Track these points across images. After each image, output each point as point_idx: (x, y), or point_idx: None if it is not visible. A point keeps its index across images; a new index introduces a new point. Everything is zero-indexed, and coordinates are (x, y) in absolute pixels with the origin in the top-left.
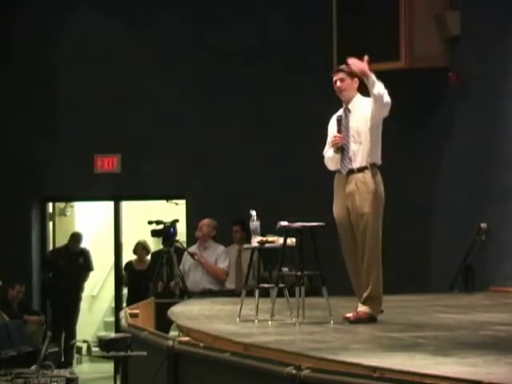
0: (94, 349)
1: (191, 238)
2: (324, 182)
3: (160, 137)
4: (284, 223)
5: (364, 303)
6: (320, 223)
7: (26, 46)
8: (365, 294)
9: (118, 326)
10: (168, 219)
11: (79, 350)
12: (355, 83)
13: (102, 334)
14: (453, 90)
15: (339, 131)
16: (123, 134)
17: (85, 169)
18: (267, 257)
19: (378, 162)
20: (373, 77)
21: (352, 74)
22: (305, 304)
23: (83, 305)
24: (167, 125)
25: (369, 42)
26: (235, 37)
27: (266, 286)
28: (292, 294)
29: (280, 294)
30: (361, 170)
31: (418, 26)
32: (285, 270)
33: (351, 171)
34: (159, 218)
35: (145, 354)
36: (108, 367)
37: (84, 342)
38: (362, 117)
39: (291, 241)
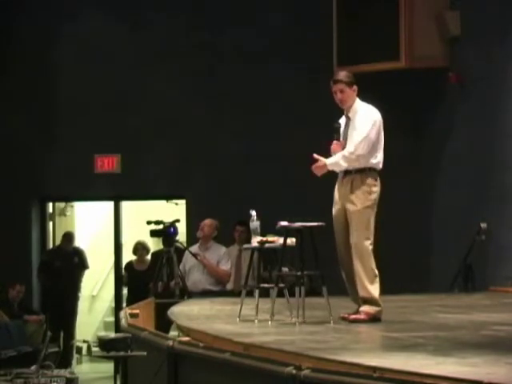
0: (94, 349)
1: (191, 238)
2: (324, 183)
3: (160, 137)
4: (284, 223)
5: (365, 303)
6: (320, 223)
7: (26, 46)
8: (360, 296)
9: (117, 326)
10: (168, 219)
11: (79, 350)
12: (354, 91)
13: (102, 334)
14: (453, 90)
15: (338, 139)
16: (123, 134)
17: (85, 169)
18: (267, 257)
19: (377, 167)
20: (330, 164)
21: (350, 83)
22: (305, 304)
23: (83, 305)
24: (167, 125)
25: (369, 41)
26: (235, 37)
27: (266, 285)
28: (292, 294)
29: (280, 294)
30: (358, 171)
31: (417, 26)
32: (285, 270)
33: (348, 172)
34: (159, 218)
35: (145, 354)
36: (108, 367)
37: (84, 342)
38: (336, 160)
39: (291, 241)
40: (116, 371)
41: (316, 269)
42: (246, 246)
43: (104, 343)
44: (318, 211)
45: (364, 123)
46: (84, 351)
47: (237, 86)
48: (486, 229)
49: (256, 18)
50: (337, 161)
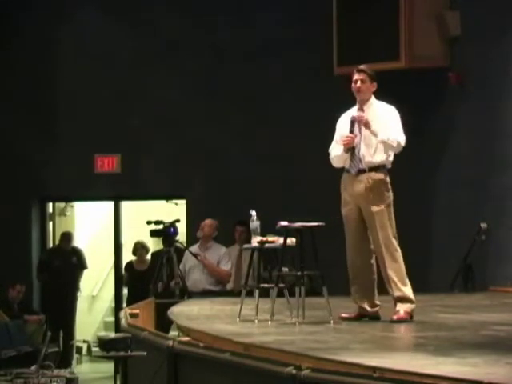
0: (94, 349)
1: (191, 238)
2: (324, 182)
3: (160, 137)
4: (284, 223)
5: (399, 302)
6: (320, 223)
7: (26, 46)
8: (396, 295)
9: (117, 326)
10: (168, 219)
11: (79, 349)
12: (373, 87)
13: (102, 334)
14: (453, 90)
15: (351, 132)
16: (123, 134)
17: (85, 169)
18: (267, 257)
19: (389, 165)
20: (373, 130)
21: (373, 78)
22: (305, 304)
23: (83, 305)
24: (167, 125)
25: (369, 41)
26: (235, 37)
27: (266, 286)
28: (292, 294)
29: (280, 294)
30: (371, 169)
31: (417, 25)
32: (285, 270)
33: (362, 170)
34: (159, 218)
35: (145, 354)
36: (108, 367)
37: (84, 342)
38: (375, 122)
39: (291, 241)
40: (116, 371)
41: (316, 269)
42: (246, 246)
43: (104, 343)
44: (318, 211)
45: (398, 118)
46: (84, 351)
47: (237, 86)
48: (485, 229)
49: (256, 17)
50: (381, 134)
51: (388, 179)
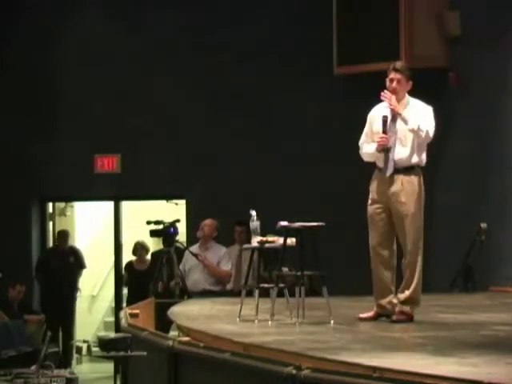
0: (94, 349)
1: (191, 238)
2: (324, 183)
3: (160, 137)
4: (284, 223)
5: (404, 303)
6: (320, 223)
7: (26, 46)
8: (405, 295)
9: (117, 326)
10: (168, 219)
11: (79, 349)
12: (409, 86)
13: (102, 333)
14: (453, 90)
15: (385, 132)
16: (123, 134)
17: (85, 169)
18: (267, 257)
19: (422, 163)
20: (404, 116)
21: (409, 77)
22: (305, 304)
23: (83, 305)
24: (167, 125)
25: (369, 41)
26: (235, 37)
27: (266, 285)
28: (292, 294)
29: (280, 294)
30: (407, 170)
31: (417, 25)
32: (285, 270)
33: (397, 171)
34: (159, 218)
35: (145, 354)
36: (108, 367)
37: (84, 342)
38: (410, 121)
39: (291, 241)
40: (116, 371)
41: (316, 269)
42: (246, 246)
43: (104, 343)
44: (318, 211)
45: (430, 111)
46: (84, 351)
47: (237, 86)
48: (486, 229)
49: (256, 17)
50: (410, 122)
51: (422, 179)
